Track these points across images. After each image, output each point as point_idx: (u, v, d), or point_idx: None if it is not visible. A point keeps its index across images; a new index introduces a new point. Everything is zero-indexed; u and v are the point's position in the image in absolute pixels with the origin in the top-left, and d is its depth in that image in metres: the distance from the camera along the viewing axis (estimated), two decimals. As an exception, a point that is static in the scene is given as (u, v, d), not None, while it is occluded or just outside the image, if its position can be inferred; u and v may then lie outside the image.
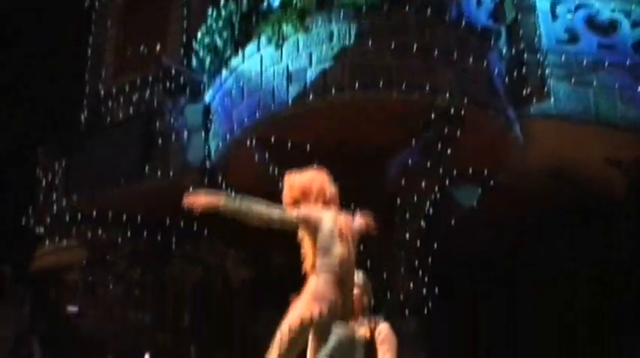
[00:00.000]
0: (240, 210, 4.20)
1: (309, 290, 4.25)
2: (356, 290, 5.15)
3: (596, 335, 10.89)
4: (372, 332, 5.30)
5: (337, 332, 4.24)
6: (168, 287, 12.27)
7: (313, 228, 4.33)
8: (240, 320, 12.11)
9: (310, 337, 4.41)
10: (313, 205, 4.47)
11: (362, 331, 5.29)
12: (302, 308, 4.19)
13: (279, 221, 4.26)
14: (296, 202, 4.51)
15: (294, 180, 4.65)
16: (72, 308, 15.45)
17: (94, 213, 12.04)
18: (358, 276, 5.07)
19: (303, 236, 4.42)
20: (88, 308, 13.42)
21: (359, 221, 4.68)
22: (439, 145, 9.20)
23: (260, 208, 4.20)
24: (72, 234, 12.76)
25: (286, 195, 4.60)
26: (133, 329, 13.54)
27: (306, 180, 4.61)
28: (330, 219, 4.38)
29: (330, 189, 4.63)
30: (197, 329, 12.85)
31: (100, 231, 12.26)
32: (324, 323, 4.22)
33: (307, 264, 4.37)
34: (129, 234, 12.18)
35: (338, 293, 4.23)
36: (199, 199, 4.14)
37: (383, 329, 5.38)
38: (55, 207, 12.12)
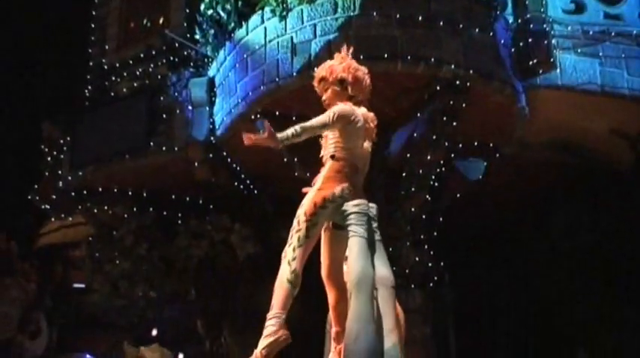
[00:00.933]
0: (290, 138, 4.38)
1: (323, 175, 4.46)
2: None
3: (601, 307, 10.90)
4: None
5: (353, 207, 4.34)
6: (174, 263, 12.27)
7: (347, 123, 4.50)
8: (245, 295, 12.13)
9: (323, 233, 4.50)
10: (347, 99, 4.65)
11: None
12: (315, 192, 4.39)
13: (322, 128, 4.46)
14: (341, 82, 4.69)
15: (354, 65, 4.80)
16: (78, 285, 15.53)
17: (100, 188, 12.05)
18: None
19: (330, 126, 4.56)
20: (94, 284, 13.45)
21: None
22: (444, 117, 9.16)
23: (305, 127, 4.38)
24: (77, 210, 12.78)
25: (339, 69, 4.74)
26: (140, 305, 13.61)
27: (363, 73, 4.79)
28: (361, 117, 4.60)
29: (366, 81, 4.81)
30: (203, 304, 12.90)
31: (105, 207, 12.27)
32: (339, 206, 4.36)
33: (326, 152, 4.56)
34: (134, 209, 12.18)
35: (353, 179, 4.46)
36: (259, 139, 4.35)
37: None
38: (60, 183, 12.11)
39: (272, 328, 4.19)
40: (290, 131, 4.36)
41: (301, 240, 4.25)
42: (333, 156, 4.49)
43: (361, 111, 4.66)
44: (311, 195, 4.39)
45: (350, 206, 4.34)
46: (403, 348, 5.43)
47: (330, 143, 4.56)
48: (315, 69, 8.59)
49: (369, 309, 4.09)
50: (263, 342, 4.16)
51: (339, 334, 4.36)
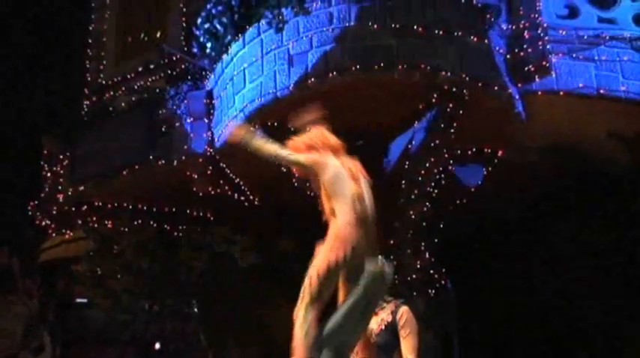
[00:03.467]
0: (254, 147, 4.55)
1: (331, 235, 4.32)
2: None
3: (601, 310, 10.91)
4: (394, 315, 5.32)
5: (369, 270, 4.27)
6: (176, 276, 12.29)
7: (321, 171, 4.49)
8: (248, 306, 12.15)
9: (340, 279, 4.43)
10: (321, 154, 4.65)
11: (383, 314, 5.31)
12: (326, 253, 4.26)
13: (285, 158, 4.57)
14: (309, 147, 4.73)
15: (297, 141, 4.82)
16: (81, 300, 15.52)
17: (100, 202, 12.07)
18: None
19: (317, 183, 4.56)
20: (96, 299, 13.46)
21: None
22: (442, 124, 9.20)
23: (272, 147, 4.54)
24: (78, 224, 12.80)
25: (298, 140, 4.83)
26: (143, 319, 13.62)
27: (309, 139, 4.79)
28: (336, 162, 4.56)
29: (333, 138, 4.81)
30: (206, 316, 12.91)
31: (106, 221, 12.29)
32: (352, 264, 4.28)
33: (326, 211, 4.47)
34: (135, 223, 12.20)
35: (359, 232, 4.31)
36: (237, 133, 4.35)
37: (404, 312, 5.41)
38: (60, 198, 12.14)
39: None
40: (271, 148, 4.56)
41: (313, 300, 4.21)
42: (332, 212, 4.39)
43: (339, 159, 4.66)
44: (324, 255, 4.27)
45: (366, 267, 4.27)
46: (417, 355, 5.45)
47: (325, 202, 4.49)
48: (313, 80, 8.74)
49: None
50: None
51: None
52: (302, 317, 4.20)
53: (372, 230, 4.46)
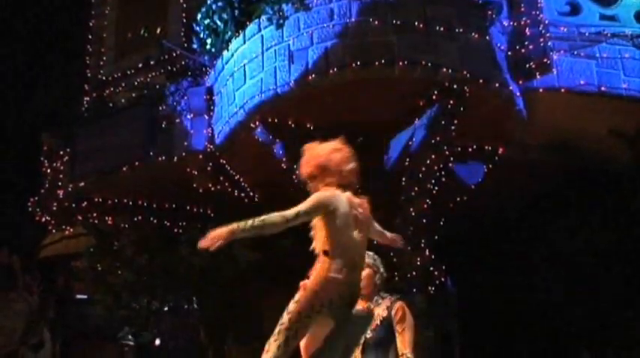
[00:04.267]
0: (254, 227, 4.08)
1: (317, 278, 4.16)
2: (368, 270, 5.16)
3: (602, 308, 10.90)
4: (389, 311, 5.31)
5: (359, 317, 4.25)
6: (175, 272, 12.28)
7: (327, 214, 4.20)
8: (248, 303, 12.14)
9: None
10: (327, 185, 4.34)
11: (378, 310, 5.31)
12: (308, 296, 4.12)
13: (294, 219, 4.12)
14: (312, 177, 4.39)
15: (313, 154, 4.47)
16: (81, 296, 15.52)
17: (100, 199, 12.07)
18: (369, 255, 5.06)
19: (315, 219, 4.30)
20: (96, 295, 13.46)
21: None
22: (442, 121, 9.19)
23: (273, 217, 4.10)
24: (78, 221, 12.79)
25: (304, 166, 4.45)
26: (142, 315, 13.61)
27: (326, 155, 4.43)
28: (344, 203, 4.26)
29: (348, 167, 4.44)
30: (206, 313, 12.90)
31: (106, 217, 12.29)
32: (337, 307, 4.15)
33: (317, 246, 4.27)
34: (135, 219, 12.20)
35: (350, 277, 4.17)
36: (214, 238, 4.07)
37: (399, 308, 5.40)
38: (60, 195, 12.13)
39: None
40: (250, 223, 4.07)
41: (289, 340, 4.05)
42: (326, 253, 4.17)
43: (346, 196, 4.31)
44: (307, 293, 4.12)
45: (355, 313, 4.21)
46: (412, 350, 5.44)
47: (320, 238, 4.25)
48: (313, 76, 8.73)
49: None
50: None
51: None
52: (272, 351, 4.04)
53: (358, 277, 4.32)
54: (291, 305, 4.12)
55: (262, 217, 4.08)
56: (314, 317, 4.10)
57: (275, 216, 4.09)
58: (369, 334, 5.20)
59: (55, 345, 13.53)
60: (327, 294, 4.09)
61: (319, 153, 4.45)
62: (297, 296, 4.17)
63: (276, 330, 4.09)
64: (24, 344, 12.64)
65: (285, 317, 4.09)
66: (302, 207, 4.16)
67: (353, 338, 4.34)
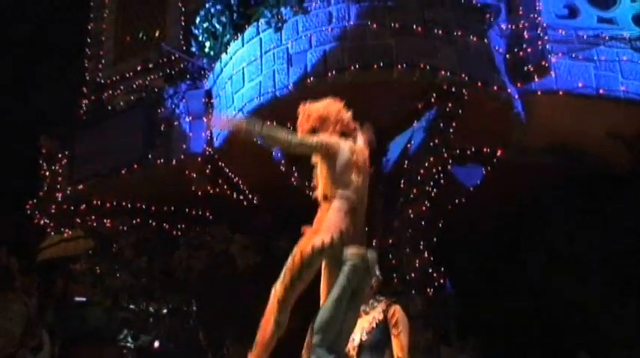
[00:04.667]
0: (261, 133, 4.23)
1: (321, 218, 4.26)
2: None
3: (601, 309, 10.91)
4: (385, 314, 5.32)
5: (350, 259, 4.21)
6: (174, 274, 12.28)
7: (331, 157, 4.32)
8: (247, 305, 12.13)
9: (323, 265, 4.38)
10: (331, 134, 4.45)
11: (374, 313, 5.32)
12: (313, 236, 4.20)
13: (298, 145, 4.27)
14: (313, 131, 4.47)
15: (311, 109, 4.61)
16: (80, 298, 15.52)
17: (98, 201, 12.07)
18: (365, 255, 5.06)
19: (318, 164, 4.41)
20: (95, 298, 13.46)
21: (364, 138, 4.70)
22: (441, 124, 9.21)
23: (280, 132, 4.23)
24: (76, 223, 12.79)
25: (302, 123, 4.55)
26: (142, 318, 13.61)
27: (323, 108, 4.60)
28: (347, 148, 4.38)
29: (347, 116, 4.64)
30: (205, 315, 12.90)
31: (104, 220, 12.29)
32: (337, 251, 4.21)
33: (320, 192, 4.36)
34: (134, 221, 12.20)
35: (350, 221, 4.24)
36: (224, 121, 4.19)
37: (395, 310, 5.42)
38: (59, 197, 12.13)
39: None
40: (259, 127, 4.22)
41: (294, 281, 4.12)
42: (325, 197, 4.29)
43: (348, 143, 4.46)
44: (309, 237, 4.21)
45: (346, 254, 4.20)
46: (407, 354, 5.45)
47: (320, 183, 4.38)
48: (312, 79, 8.73)
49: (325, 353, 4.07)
50: None
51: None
52: (279, 297, 4.14)
53: (361, 221, 4.41)
54: (295, 249, 4.21)
55: (271, 128, 4.21)
56: (316, 258, 4.16)
57: (282, 132, 4.23)
58: (364, 336, 5.21)
59: (54, 348, 13.54)
60: (327, 235, 4.16)
61: (317, 107, 4.62)
62: (300, 241, 4.24)
63: (282, 273, 4.18)
64: (22, 347, 12.65)
65: (289, 262, 4.18)
66: (308, 137, 4.30)
67: (357, 284, 4.29)
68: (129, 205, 12.17)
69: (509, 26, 9.76)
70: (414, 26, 8.83)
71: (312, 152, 4.35)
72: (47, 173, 12.67)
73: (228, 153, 10.39)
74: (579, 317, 11.16)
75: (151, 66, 12.27)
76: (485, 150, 10.34)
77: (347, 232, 4.21)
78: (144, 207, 12.21)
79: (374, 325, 5.31)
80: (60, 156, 12.42)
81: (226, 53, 10.13)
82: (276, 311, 4.15)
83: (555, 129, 10.21)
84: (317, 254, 4.16)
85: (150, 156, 10.98)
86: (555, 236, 11.61)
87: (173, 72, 11.72)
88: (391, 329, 5.29)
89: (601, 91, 9.76)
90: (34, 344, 12.75)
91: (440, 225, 10.18)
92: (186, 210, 12.25)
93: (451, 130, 9.27)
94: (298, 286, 4.16)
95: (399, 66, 8.63)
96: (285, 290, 4.12)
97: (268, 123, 4.24)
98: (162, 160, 10.91)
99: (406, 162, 9.50)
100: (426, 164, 9.47)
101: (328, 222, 4.21)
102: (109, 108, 12.39)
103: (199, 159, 10.64)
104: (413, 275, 9.52)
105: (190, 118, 10.73)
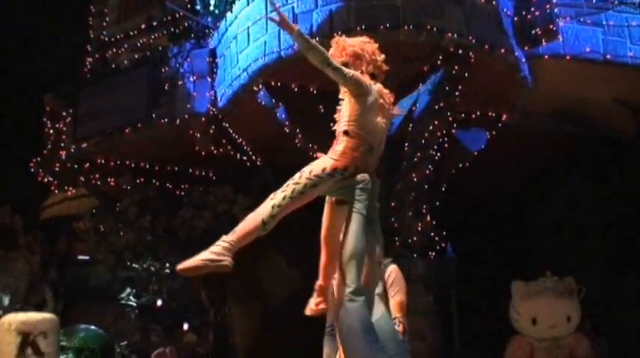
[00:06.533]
0: (309, 43, 4.14)
1: (339, 148, 4.25)
2: None
3: (603, 276, 10.95)
4: (382, 274, 5.32)
5: (361, 178, 4.21)
6: (178, 234, 12.32)
7: (361, 95, 4.29)
8: (248, 265, 12.19)
9: (327, 206, 4.40)
10: (362, 73, 4.40)
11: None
12: (327, 158, 4.21)
13: (335, 68, 4.18)
14: (344, 65, 4.37)
15: (346, 43, 4.53)
16: (83, 257, 15.61)
17: (102, 160, 12.08)
18: None
19: (345, 98, 4.37)
20: (98, 256, 13.53)
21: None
22: (447, 87, 9.14)
23: (320, 49, 4.15)
24: (80, 182, 12.81)
25: (335, 55, 4.43)
26: (144, 276, 13.69)
27: (359, 45, 4.51)
28: (375, 90, 4.36)
29: (381, 58, 4.54)
30: (207, 275, 12.96)
31: (108, 179, 12.30)
32: (348, 182, 4.21)
33: (340, 126, 4.33)
34: (137, 181, 12.21)
35: (367, 157, 4.27)
36: (282, 15, 4.14)
37: (392, 271, 5.41)
38: (63, 156, 12.14)
39: (221, 250, 4.07)
40: (308, 38, 4.17)
41: (294, 193, 4.08)
42: (346, 132, 4.27)
43: (377, 87, 4.42)
44: (322, 160, 4.23)
45: (355, 181, 4.20)
46: (404, 314, 5.47)
47: (343, 118, 4.34)
48: (317, 39, 8.64)
49: (358, 285, 4.07)
50: (205, 254, 4.04)
51: (322, 288, 4.35)
52: (277, 199, 4.09)
53: (376, 163, 4.40)
54: (305, 167, 4.19)
55: (316, 43, 4.14)
56: (324, 179, 4.15)
57: (324, 50, 4.17)
58: None
59: (57, 305, 13.66)
60: (340, 163, 4.17)
61: (352, 42, 4.52)
62: (313, 162, 4.23)
63: (285, 184, 4.15)
64: (26, 303, 12.77)
65: (296, 175, 4.16)
66: (345, 69, 4.23)
67: (370, 207, 4.27)
68: (132, 164, 12.18)
69: (518, -12, 9.65)
70: (422, -13, 8.72)
71: (344, 83, 4.29)
72: (51, 131, 12.67)
73: (232, 114, 10.36)
74: (582, 284, 11.21)
75: (155, 24, 12.17)
76: (490, 114, 10.29)
77: (360, 167, 4.22)
78: (147, 166, 12.23)
79: (371, 286, 5.31)
80: (64, 114, 12.40)
81: (231, 12, 10.03)
82: (267, 213, 4.09)
83: (561, 94, 10.15)
84: (327, 175, 4.16)
85: (154, 115, 10.96)
86: (559, 201, 11.61)
87: (177, 30, 11.62)
88: (388, 290, 5.29)
89: (608, 57, 9.67)
90: (38, 301, 12.87)
91: (443, 189, 10.17)
92: (190, 170, 12.26)
93: (457, 94, 9.21)
94: (296, 200, 4.12)
95: (406, 27, 8.54)
96: (282, 198, 4.08)
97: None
98: (165, 120, 10.89)
99: (410, 125, 9.45)
100: (431, 127, 9.42)
101: (345, 154, 4.21)
102: (113, 66, 12.33)
103: (203, 119, 10.60)
104: (415, 238, 9.54)
105: (194, 78, 10.67)
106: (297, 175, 4.16)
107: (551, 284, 8.10)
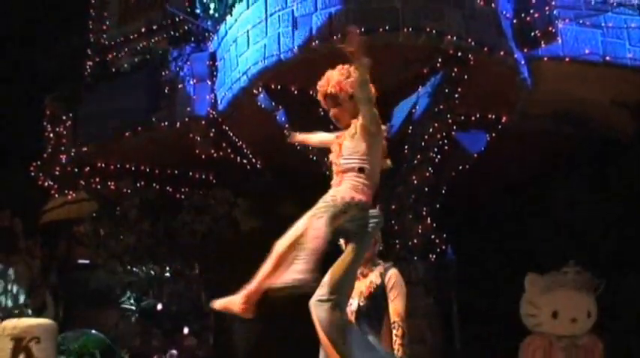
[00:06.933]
0: (368, 77, 4.16)
1: (351, 182, 4.27)
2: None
3: (602, 276, 10.95)
4: (382, 277, 5.32)
5: (376, 216, 4.31)
6: (178, 237, 12.33)
7: (375, 134, 4.31)
8: (249, 269, 12.19)
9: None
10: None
11: (372, 277, 5.32)
12: (348, 190, 4.22)
13: (372, 106, 4.22)
14: (351, 97, 4.40)
15: (342, 76, 4.52)
16: (83, 261, 15.60)
17: (102, 164, 12.09)
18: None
19: (356, 135, 4.35)
20: (98, 260, 13.53)
21: None
22: (446, 89, 9.15)
23: (369, 85, 4.18)
24: (80, 185, 12.82)
25: (346, 87, 4.45)
26: (145, 280, 13.69)
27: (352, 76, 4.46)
28: (383, 130, 4.42)
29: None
30: (207, 278, 12.97)
31: (108, 182, 12.31)
32: (359, 215, 4.26)
33: (350, 163, 4.32)
34: (137, 184, 12.22)
35: (370, 197, 4.30)
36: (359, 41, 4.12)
37: (392, 275, 5.41)
38: (63, 159, 12.15)
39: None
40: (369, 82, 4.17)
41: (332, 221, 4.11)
42: (362, 169, 4.27)
43: (383, 127, 4.46)
44: (343, 189, 4.24)
45: (370, 215, 4.27)
46: (403, 318, 5.49)
47: (354, 155, 4.31)
48: (317, 42, 8.66)
49: (341, 298, 4.20)
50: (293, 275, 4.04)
51: (251, 295, 4.32)
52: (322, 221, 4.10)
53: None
54: (331, 192, 4.25)
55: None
56: (339, 217, 4.15)
57: (370, 88, 4.19)
58: (362, 302, 5.21)
59: (58, 309, 13.67)
60: (363, 197, 4.22)
61: (342, 73, 4.55)
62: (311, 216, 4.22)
63: (317, 205, 4.19)
64: (27, 307, 12.77)
65: (328, 198, 4.20)
66: (376, 116, 4.24)
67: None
68: (133, 168, 12.19)
69: (517, -9, 9.67)
70: (421, -11, 8.73)
71: (370, 122, 4.27)
72: (51, 135, 12.68)
73: (231, 117, 10.37)
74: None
75: (155, 27, 12.19)
76: (489, 116, 10.30)
77: (367, 207, 4.27)
78: (147, 169, 12.24)
79: (371, 290, 5.29)
80: (64, 118, 12.42)
81: (231, 15, 10.04)
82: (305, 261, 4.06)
83: (560, 95, 10.17)
84: (340, 215, 4.16)
85: (154, 118, 10.96)
86: (558, 202, 11.61)
87: (177, 34, 11.63)
88: (388, 293, 5.29)
89: (607, 58, 9.69)
90: (38, 305, 12.87)
91: (443, 191, 10.18)
92: (190, 173, 12.27)
93: (456, 96, 9.22)
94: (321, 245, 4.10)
95: (405, 29, 8.54)
96: (326, 225, 4.09)
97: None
98: (166, 123, 10.90)
99: (410, 127, 9.46)
100: (430, 129, 9.43)
101: (359, 190, 4.24)
102: (113, 70, 12.34)
103: (203, 122, 10.62)
104: (415, 241, 9.54)
105: (194, 81, 10.69)
106: (329, 199, 4.21)
107: (574, 276, 7.92)
